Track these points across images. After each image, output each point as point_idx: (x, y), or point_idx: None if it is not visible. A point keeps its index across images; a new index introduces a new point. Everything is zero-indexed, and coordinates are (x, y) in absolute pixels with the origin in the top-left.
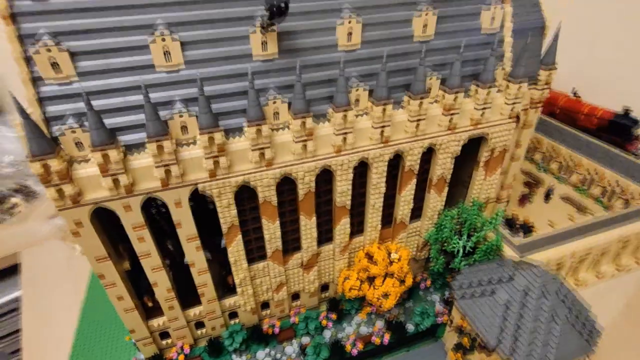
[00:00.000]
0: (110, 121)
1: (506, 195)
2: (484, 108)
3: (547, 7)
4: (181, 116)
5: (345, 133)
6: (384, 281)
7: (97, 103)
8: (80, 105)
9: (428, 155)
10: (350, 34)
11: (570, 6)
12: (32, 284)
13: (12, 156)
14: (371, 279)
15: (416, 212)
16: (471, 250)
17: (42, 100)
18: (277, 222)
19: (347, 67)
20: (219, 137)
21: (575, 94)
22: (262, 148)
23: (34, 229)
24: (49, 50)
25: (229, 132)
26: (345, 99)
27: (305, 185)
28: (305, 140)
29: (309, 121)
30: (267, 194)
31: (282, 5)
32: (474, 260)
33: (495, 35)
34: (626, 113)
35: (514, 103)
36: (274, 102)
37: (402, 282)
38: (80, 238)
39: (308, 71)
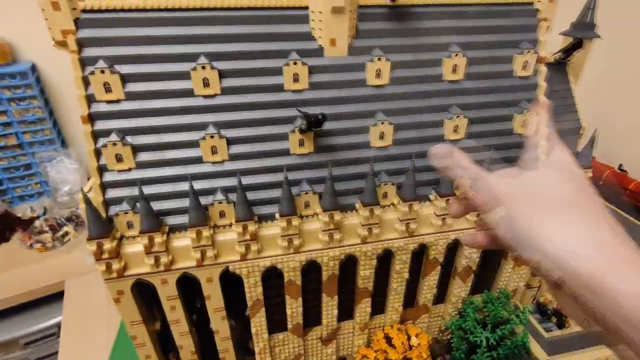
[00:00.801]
0: (159, 205)
1: (537, 282)
2: None
3: (585, 104)
4: (220, 203)
5: (372, 225)
6: None
7: (150, 190)
8: (134, 191)
9: (454, 244)
10: (382, 135)
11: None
12: (73, 311)
13: (69, 185)
14: None
15: (440, 296)
16: (495, 343)
17: (104, 186)
18: (300, 300)
19: (378, 163)
20: (252, 226)
21: (621, 168)
22: (291, 236)
23: (80, 259)
24: (114, 145)
25: (261, 219)
26: (373, 198)
27: (330, 270)
28: (332, 230)
29: (337, 215)
30: (292, 275)
31: (320, 117)
32: (497, 355)
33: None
34: None
35: None
36: (306, 194)
37: None
38: (120, 304)
39: (340, 167)
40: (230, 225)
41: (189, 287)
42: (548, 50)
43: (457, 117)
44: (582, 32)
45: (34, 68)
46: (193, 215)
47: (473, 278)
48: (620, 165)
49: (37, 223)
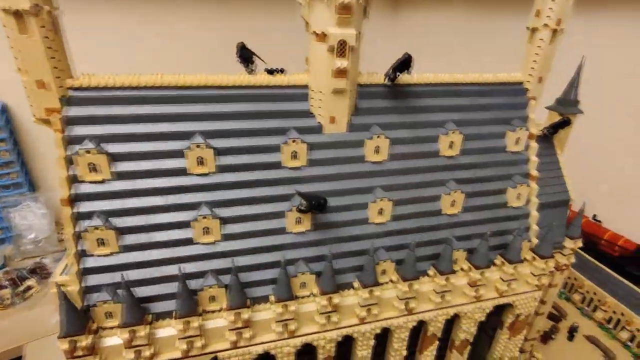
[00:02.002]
0: (142, 290)
1: (529, 346)
2: (510, 280)
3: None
4: (211, 287)
5: (370, 305)
6: None
7: (134, 274)
8: (115, 277)
9: (452, 318)
10: (381, 211)
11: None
12: None
13: (35, 233)
14: None
15: None
16: None
17: (83, 273)
18: None
19: (377, 239)
20: (245, 314)
21: (595, 218)
22: (287, 320)
23: (43, 318)
24: (96, 229)
25: (254, 301)
26: (373, 278)
27: (326, 352)
28: (330, 313)
29: (336, 298)
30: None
31: (322, 202)
32: None
33: (522, 209)
34: None
35: (540, 275)
36: (303, 274)
37: None
38: None
39: (339, 244)
40: (220, 310)
41: None
42: (536, 125)
43: (454, 191)
44: (566, 108)
45: (4, 108)
46: (182, 306)
47: (469, 349)
48: (595, 215)
49: None
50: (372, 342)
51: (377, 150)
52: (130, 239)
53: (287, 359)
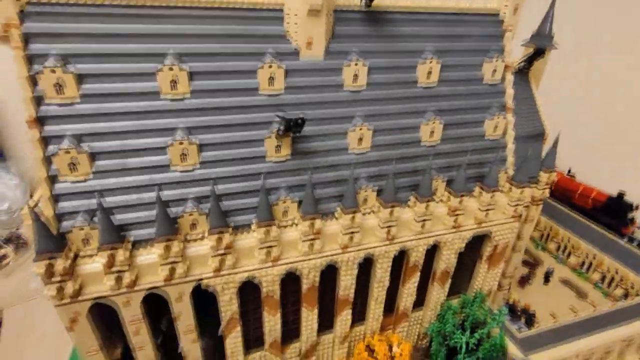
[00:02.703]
0: (120, 217)
1: (507, 283)
2: (488, 209)
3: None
4: (191, 214)
5: (353, 232)
6: None
7: (110, 200)
8: (91, 204)
9: (432, 249)
10: (361, 139)
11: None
12: (12, 345)
13: (8, 203)
14: None
15: (418, 302)
16: (474, 346)
17: (56, 198)
18: (279, 315)
19: (357, 168)
20: (227, 237)
21: (569, 173)
22: (270, 246)
23: (21, 284)
24: (67, 152)
25: (237, 228)
26: (354, 202)
27: (310, 280)
28: (312, 239)
29: (318, 222)
30: (270, 288)
31: (299, 121)
32: (477, 357)
33: (499, 141)
34: (620, 196)
35: (516, 204)
36: (284, 202)
37: None
38: (75, 332)
39: (319, 172)
40: (202, 237)
41: (153, 306)
42: (512, 59)
43: (433, 121)
44: (540, 43)
45: None
46: (161, 227)
47: (450, 282)
48: (569, 169)
49: None
50: (355, 271)
51: (355, 78)
52: (104, 163)
53: (271, 286)
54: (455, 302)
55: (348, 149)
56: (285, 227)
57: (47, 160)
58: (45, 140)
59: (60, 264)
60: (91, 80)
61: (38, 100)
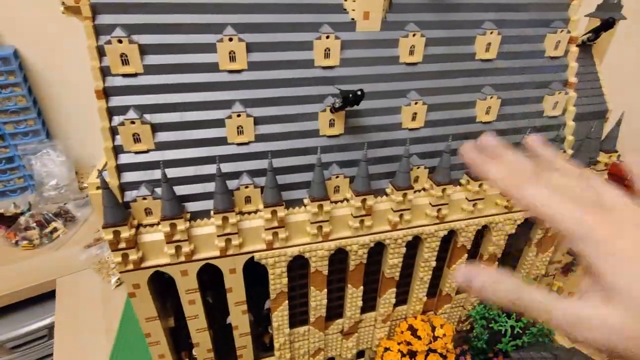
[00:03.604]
0: (179, 190)
1: (553, 269)
2: None
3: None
4: (247, 187)
5: (403, 211)
6: (426, 357)
7: (170, 173)
8: (153, 174)
9: (481, 230)
10: (415, 115)
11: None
12: (66, 312)
13: (56, 180)
14: (412, 353)
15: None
16: (520, 331)
17: (120, 169)
18: (325, 291)
19: (410, 145)
20: (281, 212)
21: (619, 158)
22: (321, 222)
23: (71, 256)
24: (132, 123)
25: (289, 204)
26: (407, 181)
27: (358, 258)
28: (363, 217)
29: (369, 199)
30: (319, 264)
31: (359, 93)
32: (522, 343)
33: (558, 119)
34: None
35: None
36: (337, 178)
37: (444, 357)
38: (136, 299)
39: (371, 148)
40: (257, 211)
41: (201, 279)
42: (578, 31)
43: (490, 97)
44: (608, 13)
45: (16, 53)
46: (219, 200)
47: (496, 266)
48: (619, 155)
49: (22, 219)
50: (403, 250)
51: (411, 51)
52: (165, 136)
53: (320, 262)
54: None
55: (401, 126)
56: (337, 203)
57: (112, 131)
58: (110, 112)
59: (126, 232)
60: (154, 51)
61: (104, 72)
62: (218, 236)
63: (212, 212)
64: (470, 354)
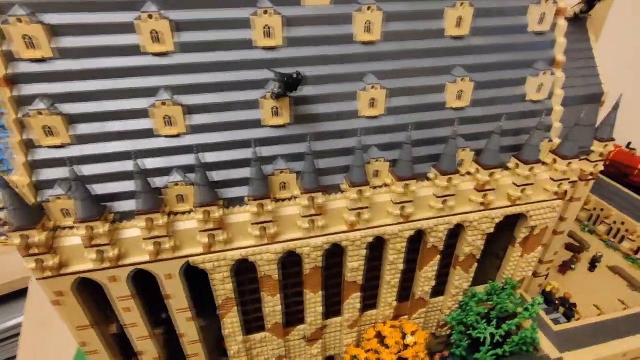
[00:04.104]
0: (102, 187)
1: (545, 270)
2: (525, 186)
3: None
4: (177, 185)
5: (361, 209)
6: None
7: (92, 169)
8: (73, 170)
9: (456, 230)
10: (373, 101)
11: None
12: (36, 311)
13: None
14: None
15: (439, 287)
16: (501, 339)
17: (32, 166)
18: (278, 297)
19: (369, 136)
20: (216, 211)
21: (629, 146)
22: (265, 223)
23: None
24: (40, 114)
25: (230, 202)
26: (362, 176)
27: (312, 261)
28: (314, 216)
29: (319, 198)
30: (267, 269)
31: (295, 76)
32: (503, 352)
33: (543, 104)
34: None
35: (561, 181)
36: (282, 173)
37: None
38: (61, 307)
39: (324, 140)
40: (191, 211)
41: (154, 282)
42: (566, 2)
43: (462, 79)
44: None
45: None
46: (142, 201)
47: (476, 267)
48: (629, 143)
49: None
50: (364, 252)
51: (368, 28)
52: (83, 128)
53: (269, 266)
54: (481, 289)
55: (358, 114)
56: (284, 201)
57: (21, 123)
58: (18, 101)
59: (36, 236)
60: (65, 32)
61: (9, 57)
62: (145, 239)
63: (135, 214)
64: None
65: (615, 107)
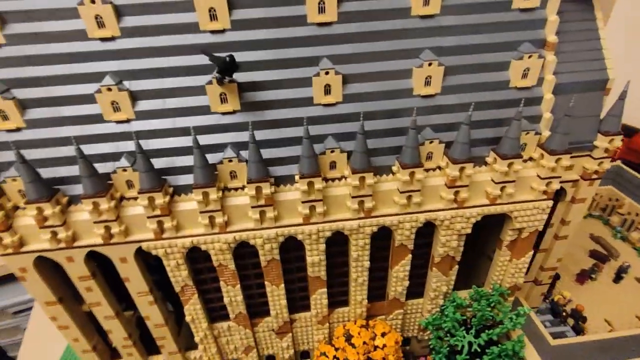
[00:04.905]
0: (54, 172)
1: (547, 277)
2: (505, 182)
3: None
4: (125, 171)
5: (314, 202)
6: None
7: (43, 154)
8: (27, 154)
9: (430, 228)
10: (328, 87)
11: None
12: None
13: None
14: None
15: (417, 289)
16: (479, 349)
17: None
18: (238, 287)
19: (324, 124)
20: (159, 198)
21: None
22: (212, 212)
23: None
24: None
25: (179, 190)
26: (313, 166)
27: (268, 253)
28: (262, 207)
29: (267, 188)
30: (222, 258)
31: (227, 60)
32: None
33: (532, 91)
34: None
35: (550, 179)
36: (230, 162)
37: None
38: (27, 283)
39: (275, 127)
40: (137, 198)
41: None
42: None
43: (429, 64)
44: None
45: None
46: (88, 184)
47: (459, 268)
48: None
49: None
50: (322, 247)
51: (322, 8)
52: (35, 113)
53: (222, 255)
54: (465, 294)
55: (313, 102)
56: (232, 191)
57: None
58: None
59: None
60: (14, 20)
61: None
62: (95, 222)
63: (80, 197)
64: None
65: (622, 96)
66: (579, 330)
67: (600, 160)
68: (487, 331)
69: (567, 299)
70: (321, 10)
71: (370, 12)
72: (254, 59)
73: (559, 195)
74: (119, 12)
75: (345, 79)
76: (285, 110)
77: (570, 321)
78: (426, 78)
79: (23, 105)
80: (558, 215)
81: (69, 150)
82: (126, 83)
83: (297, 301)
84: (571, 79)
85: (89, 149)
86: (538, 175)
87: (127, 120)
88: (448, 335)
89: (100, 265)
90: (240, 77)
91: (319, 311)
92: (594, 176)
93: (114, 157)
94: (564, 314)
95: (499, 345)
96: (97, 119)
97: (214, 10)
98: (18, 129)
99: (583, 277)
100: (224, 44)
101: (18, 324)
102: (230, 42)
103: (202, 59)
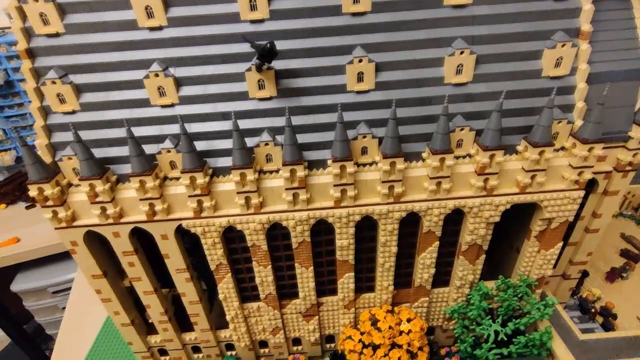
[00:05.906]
0: (105, 152)
1: (577, 272)
2: (536, 171)
3: None
4: (169, 152)
5: (345, 185)
6: (390, 351)
7: (95, 135)
8: (82, 134)
9: (458, 216)
10: (361, 75)
11: None
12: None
13: None
14: (376, 345)
15: (444, 277)
16: (505, 338)
17: (50, 129)
18: (269, 267)
19: (357, 111)
20: (200, 178)
21: None
22: (248, 193)
23: None
24: (54, 83)
25: (218, 172)
26: (345, 150)
27: (299, 235)
28: (296, 189)
29: (300, 170)
30: (255, 238)
31: (267, 46)
32: (508, 353)
33: (565, 80)
34: None
35: (581, 168)
36: (266, 145)
37: (414, 355)
38: (77, 255)
39: (309, 113)
40: (179, 179)
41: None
42: None
43: (461, 52)
44: None
45: None
46: (136, 163)
47: (485, 259)
48: None
49: None
50: (351, 231)
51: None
52: (89, 97)
53: (256, 236)
54: (491, 284)
55: (346, 89)
56: (268, 173)
57: (40, 91)
58: (37, 72)
59: (49, 189)
60: (72, 10)
61: (29, 33)
62: (141, 200)
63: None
64: (458, 356)
65: None
66: (608, 328)
67: (635, 152)
68: (514, 320)
69: (596, 296)
70: (356, 0)
71: (403, 3)
72: (291, 47)
73: (590, 187)
74: (167, 3)
75: (378, 67)
76: (319, 97)
77: (599, 319)
78: (457, 66)
79: (78, 89)
80: (589, 208)
81: (118, 132)
82: (171, 70)
83: (325, 284)
84: (605, 68)
85: (136, 131)
86: (570, 165)
87: (172, 105)
88: (474, 324)
89: (142, 244)
90: (277, 64)
91: (345, 295)
92: (628, 168)
93: (159, 139)
94: (592, 310)
95: (526, 335)
96: (144, 103)
97: (254, 1)
98: (73, 112)
99: (613, 275)
100: (263, 33)
101: (56, 304)
102: (268, 32)
103: (241, 48)
